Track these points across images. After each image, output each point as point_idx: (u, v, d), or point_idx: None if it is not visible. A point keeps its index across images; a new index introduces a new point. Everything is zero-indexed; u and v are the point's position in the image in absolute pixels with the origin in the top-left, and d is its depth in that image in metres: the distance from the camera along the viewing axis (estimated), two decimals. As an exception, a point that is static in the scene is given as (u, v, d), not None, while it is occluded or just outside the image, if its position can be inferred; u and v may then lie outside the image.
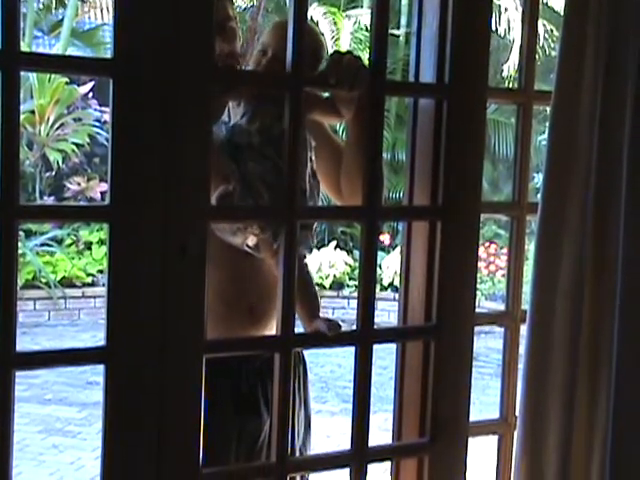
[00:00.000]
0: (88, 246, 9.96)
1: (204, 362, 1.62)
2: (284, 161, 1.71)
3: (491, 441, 2.11)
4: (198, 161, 1.59)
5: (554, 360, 1.88)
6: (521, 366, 1.94)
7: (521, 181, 2.05)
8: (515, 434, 1.97)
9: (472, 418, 1.95)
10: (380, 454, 1.96)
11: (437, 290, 1.89)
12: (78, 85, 10.56)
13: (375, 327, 1.83)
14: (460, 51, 1.85)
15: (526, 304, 1.93)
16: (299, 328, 1.79)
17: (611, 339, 1.84)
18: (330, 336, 1.80)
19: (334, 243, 10.18)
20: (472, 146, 1.89)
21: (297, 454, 2.19)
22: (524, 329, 1.95)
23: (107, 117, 10.41)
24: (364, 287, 1.81)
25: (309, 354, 2.33)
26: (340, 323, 1.81)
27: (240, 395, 2.14)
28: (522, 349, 1.96)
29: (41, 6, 11.63)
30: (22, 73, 1.47)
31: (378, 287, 8.98)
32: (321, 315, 1.89)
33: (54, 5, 12.05)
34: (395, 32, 11.43)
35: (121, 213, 1.54)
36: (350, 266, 10.09)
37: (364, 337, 1.82)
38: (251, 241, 1.99)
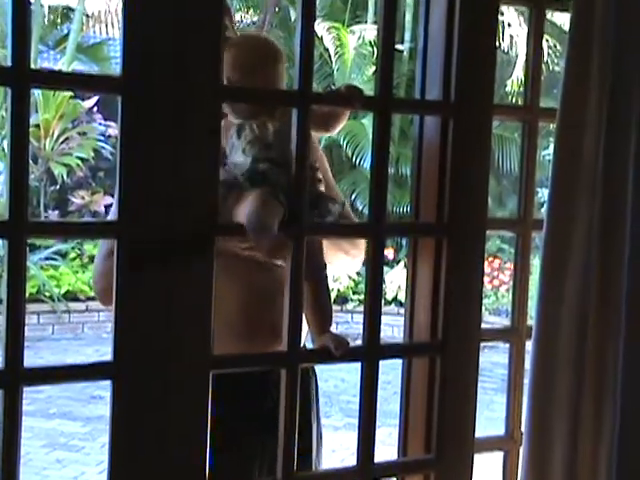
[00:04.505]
0: (92, 260, 9.96)
1: (211, 378, 1.63)
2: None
3: (496, 457, 2.11)
4: (206, 179, 1.60)
5: (560, 376, 1.88)
6: (526, 382, 1.94)
7: (527, 198, 2.05)
8: (521, 450, 1.97)
9: (476, 434, 1.95)
10: (386, 470, 1.96)
11: (443, 306, 1.89)
12: (82, 100, 10.61)
13: (381, 343, 1.83)
14: (466, 68, 1.86)
15: (531, 319, 1.94)
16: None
17: (617, 355, 1.85)
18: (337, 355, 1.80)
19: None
20: (478, 163, 1.90)
21: (314, 468, 2.17)
22: (529, 344, 1.96)
23: (111, 131, 10.48)
24: (370, 303, 1.81)
25: (313, 368, 2.33)
26: (348, 341, 1.80)
27: (263, 411, 2.10)
28: (527, 365, 1.96)
29: (47, 21, 11.69)
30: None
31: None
32: (331, 330, 1.87)
33: (59, 20, 12.12)
34: (399, 47, 11.46)
35: (129, 229, 1.54)
36: (354, 280, 10.09)
37: (370, 353, 1.82)
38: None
